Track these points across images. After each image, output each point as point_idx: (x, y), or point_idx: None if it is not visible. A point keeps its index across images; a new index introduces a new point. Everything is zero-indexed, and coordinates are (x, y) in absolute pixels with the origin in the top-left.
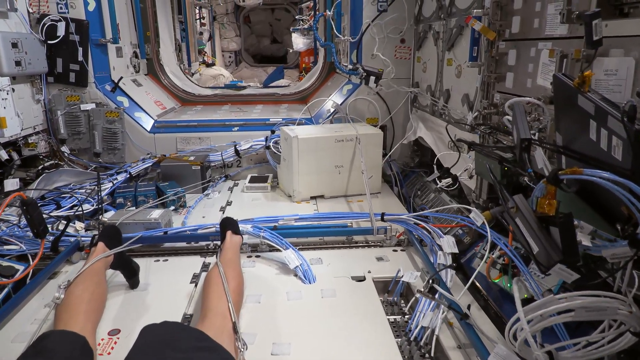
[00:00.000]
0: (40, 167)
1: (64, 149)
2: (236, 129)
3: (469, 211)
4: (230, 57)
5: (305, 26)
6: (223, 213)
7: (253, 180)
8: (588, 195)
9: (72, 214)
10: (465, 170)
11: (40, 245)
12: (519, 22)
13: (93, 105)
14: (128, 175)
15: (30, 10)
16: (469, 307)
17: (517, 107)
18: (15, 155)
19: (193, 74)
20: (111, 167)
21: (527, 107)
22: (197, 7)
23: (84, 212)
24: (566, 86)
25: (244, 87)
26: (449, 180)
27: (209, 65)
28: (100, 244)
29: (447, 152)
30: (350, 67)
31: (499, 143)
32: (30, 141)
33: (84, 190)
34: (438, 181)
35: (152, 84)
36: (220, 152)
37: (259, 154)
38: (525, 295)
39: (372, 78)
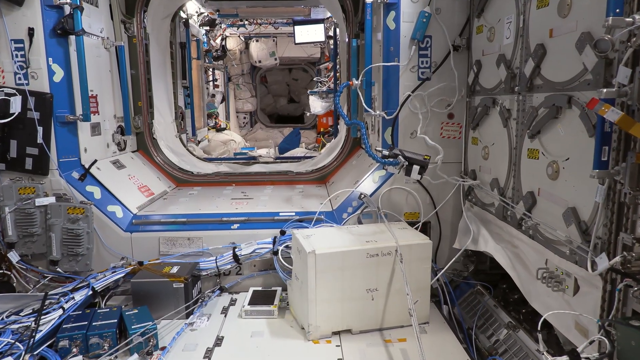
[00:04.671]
0: None
1: (12, 255)
2: (236, 226)
3: None
4: (245, 117)
5: (324, 89)
6: None
7: (255, 298)
8: None
9: None
10: (590, 344)
11: None
12: None
13: (52, 200)
14: (90, 292)
15: None
16: None
17: None
18: None
19: (199, 142)
20: (73, 278)
21: None
22: (211, 69)
23: None
24: None
25: (254, 160)
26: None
27: (219, 129)
28: None
29: (555, 311)
30: (385, 152)
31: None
32: None
33: (16, 327)
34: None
35: (141, 163)
36: (214, 257)
37: (265, 259)
38: None
39: (416, 168)
